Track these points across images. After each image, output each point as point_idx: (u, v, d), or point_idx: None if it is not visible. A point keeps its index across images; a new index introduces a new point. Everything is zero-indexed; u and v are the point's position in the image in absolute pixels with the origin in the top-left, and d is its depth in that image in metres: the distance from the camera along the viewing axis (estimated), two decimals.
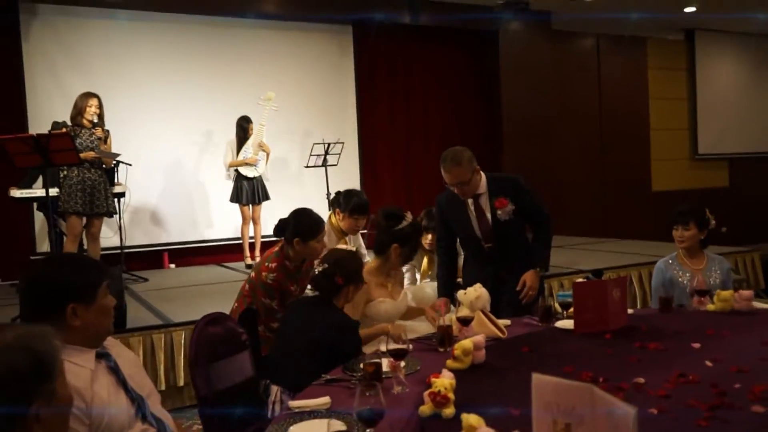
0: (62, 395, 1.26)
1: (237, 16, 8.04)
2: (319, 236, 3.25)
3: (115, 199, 6.39)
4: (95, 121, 5.45)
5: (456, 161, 3.32)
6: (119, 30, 7.57)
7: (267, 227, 7.23)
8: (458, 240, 3.66)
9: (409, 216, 3.25)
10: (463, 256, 3.73)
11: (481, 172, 3.47)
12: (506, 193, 3.44)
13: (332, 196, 6.27)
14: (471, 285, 3.34)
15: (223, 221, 7.93)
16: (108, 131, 5.57)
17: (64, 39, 7.34)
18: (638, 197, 10.92)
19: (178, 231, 7.82)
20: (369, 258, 3.79)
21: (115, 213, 5.94)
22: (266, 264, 3.25)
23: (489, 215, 3.45)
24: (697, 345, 2.41)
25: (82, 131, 5.41)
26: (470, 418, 1.53)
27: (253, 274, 3.31)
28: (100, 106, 5.54)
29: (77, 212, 5.33)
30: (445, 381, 1.85)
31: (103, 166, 5.55)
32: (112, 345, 1.91)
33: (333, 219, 4.21)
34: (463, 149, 3.38)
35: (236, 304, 3.37)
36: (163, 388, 4.27)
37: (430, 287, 3.77)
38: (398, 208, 3.39)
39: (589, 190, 10.55)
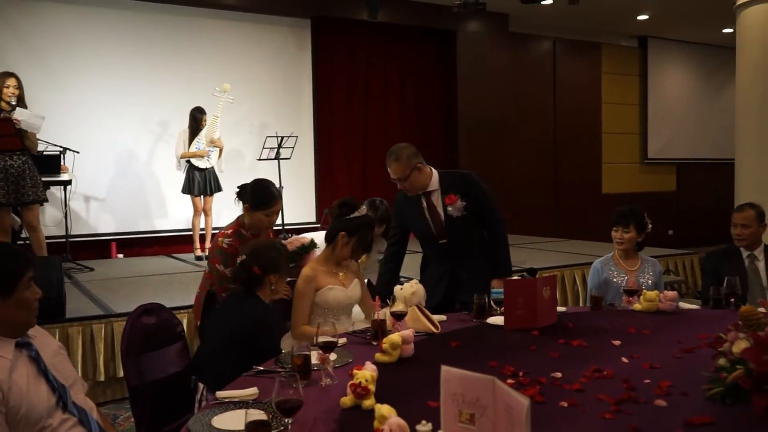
0: None
1: (196, 5, 7.96)
2: (268, 210, 3.26)
3: (60, 187, 6.25)
4: (13, 103, 5.10)
5: (395, 157, 3.37)
6: (73, 14, 7.42)
7: (218, 219, 7.20)
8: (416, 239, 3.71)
9: (363, 209, 3.24)
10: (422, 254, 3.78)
11: (432, 169, 3.51)
12: (456, 189, 3.47)
13: (281, 189, 6.28)
14: (429, 282, 3.41)
15: (174, 212, 7.85)
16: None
17: (16, 23, 7.16)
18: (589, 199, 11.17)
19: (128, 221, 7.72)
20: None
21: (46, 200, 5.54)
22: (223, 231, 3.29)
23: (441, 211, 3.49)
24: (617, 342, 2.50)
25: (1, 113, 5.07)
26: (382, 408, 1.58)
27: (209, 246, 3.32)
28: (19, 87, 5.18)
29: (0, 203, 5.03)
30: (366, 373, 1.89)
31: (30, 152, 5.18)
32: (36, 334, 1.90)
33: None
34: (406, 146, 3.43)
35: (199, 290, 3.37)
36: (102, 378, 4.23)
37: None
38: (353, 198, 3.39)
39: (542, 191, 10.75)
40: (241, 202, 3.31)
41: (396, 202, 3.67)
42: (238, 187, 3.37)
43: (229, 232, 3.27)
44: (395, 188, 3.53)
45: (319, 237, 4.23)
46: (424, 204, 3.52)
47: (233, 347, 2.50)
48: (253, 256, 2.75)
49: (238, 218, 3.34)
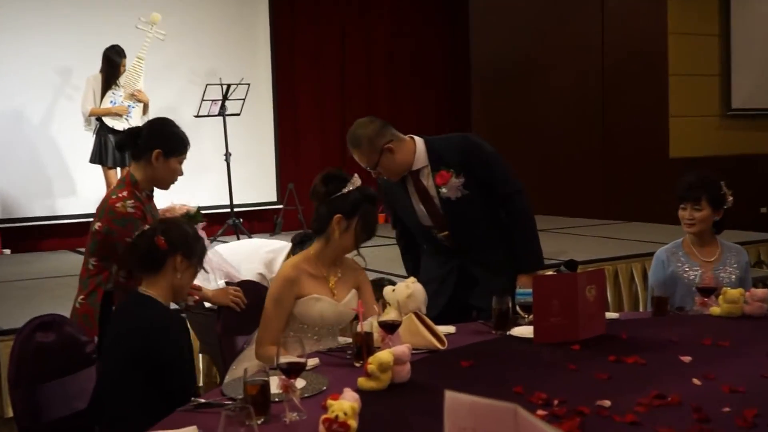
0: None
1: None
2: (182, 157, 3.39)
3: None
4: None
5: (353, 143, 3.42)
6: None
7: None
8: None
9: (356, 179, 3.21)
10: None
11: (415, 138, 3.52)
12: (451, 159, 3.47)
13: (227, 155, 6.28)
14: (431, 284, 3.40)
15: (81, 190, 7.84)
16: None
17: None
18: (651, 166, 11.17)
19: (17, 204, 7.72)
20: None
21: None
22: (114, 197, 3.30)
23: (435, 194, 3.51)
24: (687, 358, 2.53)
25: None
26: None
27: (98, 224, 3.29)
28: None
29: None
30: (345, 404, 1.90)
31: None
32: None
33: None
34: (367, 122, 3.45)
35: (83, 298, 3.35)
36: None
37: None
38: (340, 169, 3.36)
39: (586, 158, 10.74)
40: (131, 156, 3.39)
41: (381, 185, 3.69)
42: (129, 132, 3.46)
43: (124, 194, 3.30)
44: None
45: (266, 259, 4.25)
46: (412, 188, 3.54)
47: (130, 375, 2.50)
48: (162, 225, 2.78)
49: (124, 178, 3.42)
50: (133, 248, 2.78)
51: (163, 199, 3.66)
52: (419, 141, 3.53)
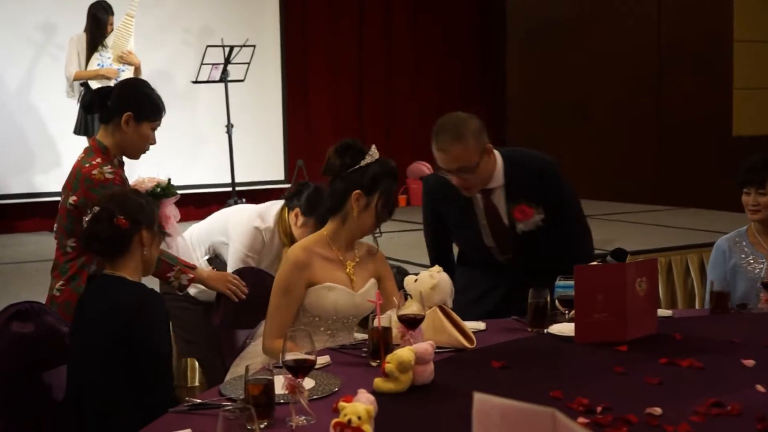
0: None
1: None
2: (156, 122, 3.44)
3: None
4: None
5: (456, 134, 3.28)
6: None
7: (132, 171, 7.19)
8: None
9: (375, 151, 3.19)
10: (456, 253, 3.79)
11: (495, 152, 3.45)
12: (532, 191, 3.42)
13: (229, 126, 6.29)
14: (469, 291, 3.46)
15: (65, 164, 7.83)
16: None
17: None
18: (713, 145, 11.09)
19: None
20: None
21: None
22: (87, 165, 3.33)
23: (506, 219, 3.49)
24: (749, 362, 2.51)
25: None
26: None
27: (73, 198, 3.31)
28: None
29: None
30: (359, 407, 1.90)
31: None
32: None
33: (284, 217, 4.13)
34: (467, 117, 3.36)
35: (62, 284, 3.36)
36: None
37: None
38: (357, 141, 3.32)
39: (637, 135, 10.67)
40: (100, 119, 3.46)
41: (427, 193, 3.66)
42: (97, 91, 3.50)
43: (98, 160, 3.34)
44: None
45: (258, 210, 4.23)
46: (481, 204, 3.50)
47: (114, 359, 2.53)
48: (112, 203, 2.76)
49: (92, 146, 3.44)
50: (92, 236, 2.76)
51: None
52: (497, 155, 3.47)
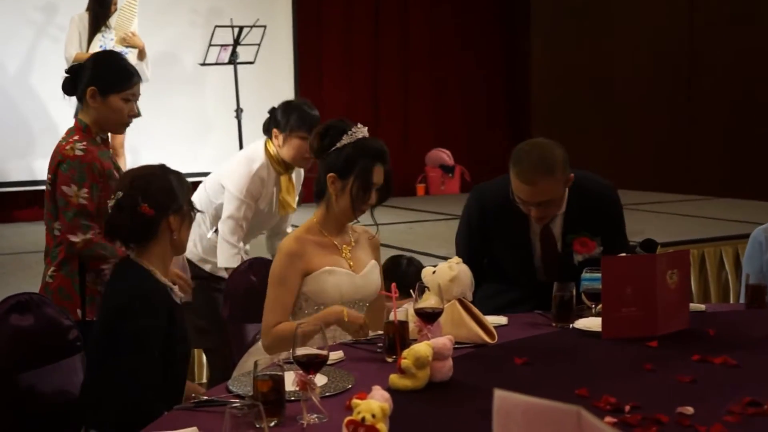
0: None
1: None
2: (126, 92, 3.40)
3: None
4: None
5: (546, 167, 3.21)
6: None
7: (136, 159, 7.21)
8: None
9: (359, 130, 3.17)
10: None
11: None
12: (592, 220, 3.41)
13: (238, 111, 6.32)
14: (495, 298, 3.46)
15: None
16: None
17: None
18: (747, 131, 11.01)
19: None
20: None
21: None
22: (64, 143, 3.39)
23: (560, 247, 3.49)
24: None
25: None
26: None
27: (49, 176, 3.38)
28: None
29: None
30: (373, 405, 1.90)
31: None
32: None
33: (270, 148, 4.30)
34: (553, 145, 3.31)
35: (53, 270, 3.38)
36: None
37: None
38: (342, 120, 3.32)
39: (667, 120, 10.61)
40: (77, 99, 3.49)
41: (478, 205, 3.60)
42: (68, 71, 3.52)
43: (75, 137, 3.38)
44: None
45: (244, 155, 4.36)
46: (536, 230, 3.49)
47: (109, 358, 2.51)
48: (136, 188, 2.68)
49: (74, 125, 3.49)
50: (115, 226, 2.69)
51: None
52: None
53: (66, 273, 3.33)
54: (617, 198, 3.57)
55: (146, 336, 2.51)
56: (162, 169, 2.81)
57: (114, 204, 2.67)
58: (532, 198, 3.25)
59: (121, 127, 3.51)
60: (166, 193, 2.70)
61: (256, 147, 4.28)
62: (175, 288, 2.75)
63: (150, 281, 2.63)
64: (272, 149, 4.26)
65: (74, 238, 3.25)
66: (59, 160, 3.33)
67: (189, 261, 3.76)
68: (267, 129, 4.25)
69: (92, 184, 3.27)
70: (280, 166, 4.25)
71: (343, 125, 3.15)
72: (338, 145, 3.11)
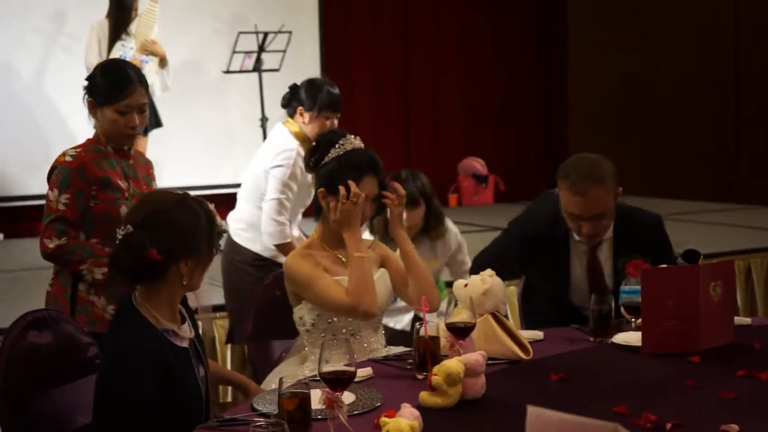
0: None
1: None
2: (120, 104, 3.34)
3: None
4: None
5: (596, 177, 3.27)
6: None
7: (164, 175, 7.24)
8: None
9: (349, 142, 3.20)
10: None
11: None
12: (641, 248, 3.38)
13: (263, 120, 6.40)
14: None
15: None
16: None
17: None
18: None
19: (9, 181, 7.87)
20: None
21: None
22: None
23: (608, 273, 3.49)
24: None
25: None
26: None
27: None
28: None
29: None
30: (402, 423, 1.90)
31: None
32: None
33: (291, 127, 4.56)
34: (600, 158, 3.37)
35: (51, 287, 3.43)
36: None
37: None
38: (336, 131, 3.38)
39: (711, 125, 10.52)
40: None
41: (522, 231, 3.63)
42: (87, 80, 3.51)
43: (81, 144, 3.47)
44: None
45: (275, 152, 4.52)
46: (582, 258, 3.51)
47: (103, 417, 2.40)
48: (146, 228, 2.45)
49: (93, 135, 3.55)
50: (117, 262, 2.47)
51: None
52: None
53: (61, 281, 3.39)
54: (665, 231, 3.61)
55: (136, 412, 2.35)
56: (182, 202, 2.55)
57: (121, 238, 2.46)
58: (585, 210, 3.27)
59: (123, 138, 3.46)
60: (181, 236, 2.47)
61: (282, 130, 4.57)
62: (183, 327, 2.54)
63: (145, 334, 2.41)
64: (294, 128, 4.55)
65: (49, 243, 3.28)
66: (53, 167, 3.39)
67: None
68: (288, 105, 4.58)
69: (77, 190, 3.29)
70: (306, 143, 4.39)
71: (333, 137, 3.26)
72: (326, 159, 3.20)
